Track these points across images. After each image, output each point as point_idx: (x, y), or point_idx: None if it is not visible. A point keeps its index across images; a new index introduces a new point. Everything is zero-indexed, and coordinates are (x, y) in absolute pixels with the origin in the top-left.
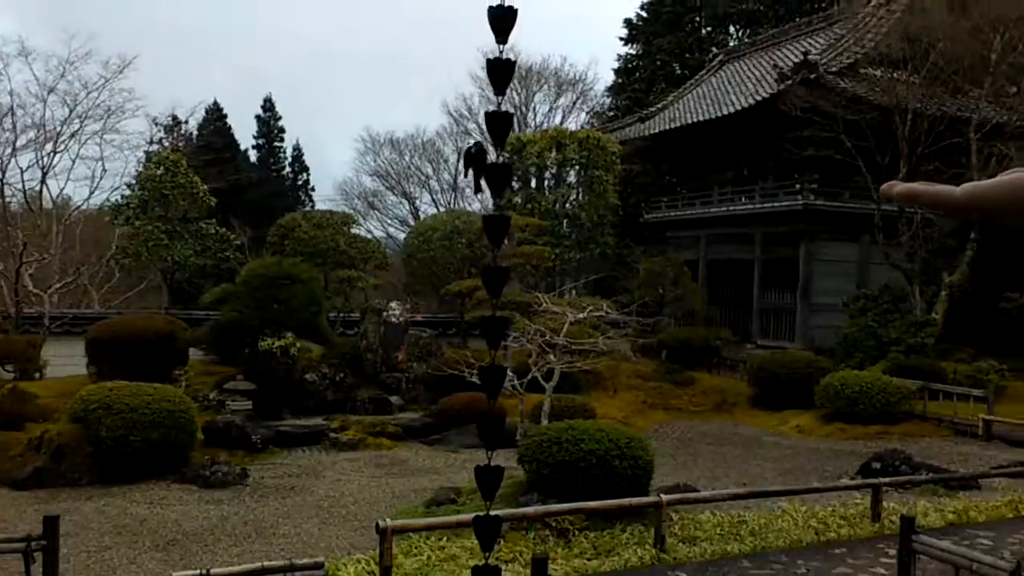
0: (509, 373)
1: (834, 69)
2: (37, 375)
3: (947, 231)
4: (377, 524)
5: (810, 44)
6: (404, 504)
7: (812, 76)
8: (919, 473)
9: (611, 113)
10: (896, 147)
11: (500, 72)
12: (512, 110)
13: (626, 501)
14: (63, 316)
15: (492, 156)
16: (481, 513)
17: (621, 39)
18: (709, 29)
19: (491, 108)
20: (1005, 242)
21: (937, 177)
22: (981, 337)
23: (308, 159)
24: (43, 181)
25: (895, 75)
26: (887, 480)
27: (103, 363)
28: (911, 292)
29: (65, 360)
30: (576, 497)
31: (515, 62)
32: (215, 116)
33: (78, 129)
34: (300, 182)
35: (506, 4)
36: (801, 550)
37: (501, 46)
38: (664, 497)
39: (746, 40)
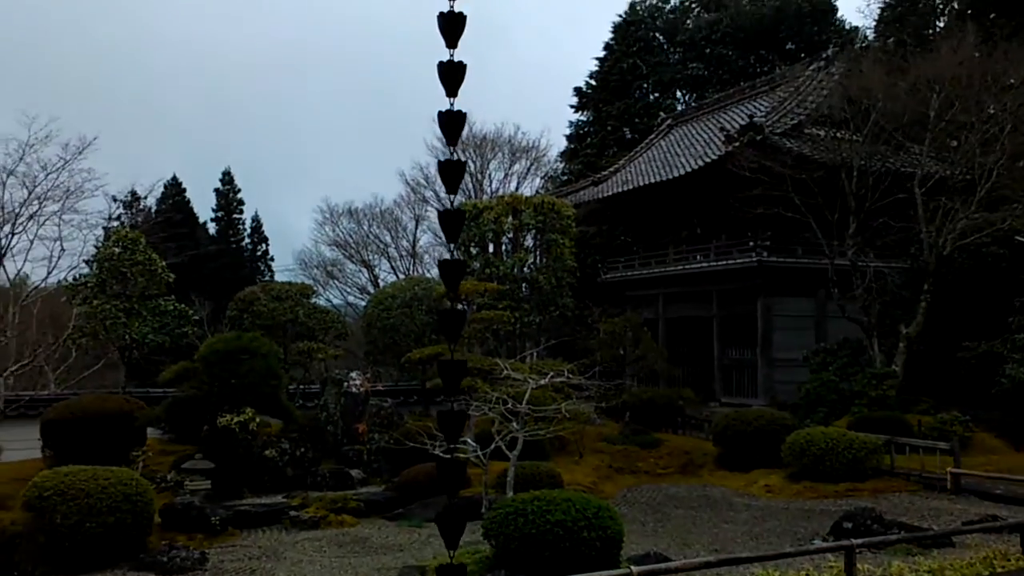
0: (472, 443)
1: (779, 130)
2: None
3: (900, 283)
4: None
5: (754, 107)
6: None
7: (758, 137)
8: (891, 531)
9: (565, 177)
10: (845, 203)
11: (452, 124)
12: (467, 177)
13: (595, 575)
14: (18, 399)
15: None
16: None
17: (572, 107)
18: (656, 95)
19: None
20: (959, 293)
21: (886, 231)
22: (942, 387)
23: (267, 229)
24: (0, 263)
25: (838, 134)
26: (860, 541)
27: (59, 446)
28: (869, 344)
29: (21, 444)
30: (545, 571)
31: (465, 115)
32: (174, 191)
33: (37, 210)
34: (259, 252)
35: (455, 60)
36: None
37: (451, 99)
38: (634, 569)
39: (692, 104)
